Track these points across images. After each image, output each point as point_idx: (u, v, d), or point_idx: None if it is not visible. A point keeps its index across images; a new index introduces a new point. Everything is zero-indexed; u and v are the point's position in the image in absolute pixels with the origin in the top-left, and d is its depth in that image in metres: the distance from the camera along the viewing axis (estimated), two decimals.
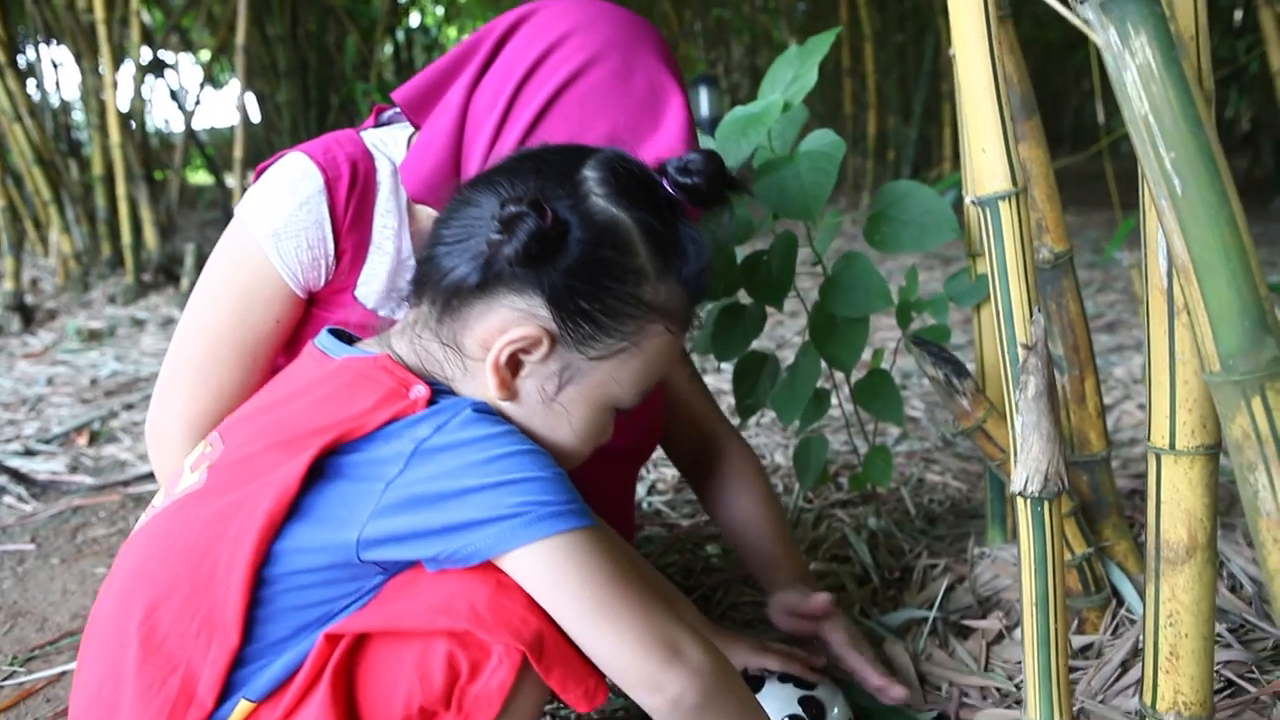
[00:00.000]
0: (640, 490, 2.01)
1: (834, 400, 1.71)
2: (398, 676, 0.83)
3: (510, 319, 0.87)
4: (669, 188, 0.91)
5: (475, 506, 0.81)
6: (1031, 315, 0.77)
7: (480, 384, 0.89)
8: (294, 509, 0.83)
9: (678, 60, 1.11)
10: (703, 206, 0.92)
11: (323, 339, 0.96)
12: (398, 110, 1.20)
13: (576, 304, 0.86)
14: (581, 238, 0.85)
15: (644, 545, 1.76)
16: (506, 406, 0.90)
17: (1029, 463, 0.78)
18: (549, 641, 0.84)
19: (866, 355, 1.56)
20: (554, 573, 0.82)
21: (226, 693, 0.84)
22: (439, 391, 0.88)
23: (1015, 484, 0.79)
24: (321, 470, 0.84)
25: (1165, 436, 0.79)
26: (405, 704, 0.83)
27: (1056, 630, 0.80)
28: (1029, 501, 0.79)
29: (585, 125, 1.00)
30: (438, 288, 0.88)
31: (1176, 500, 0.79)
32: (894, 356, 1.75)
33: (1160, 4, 0.67)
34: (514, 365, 0.88)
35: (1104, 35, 0.69)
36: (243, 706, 0.84)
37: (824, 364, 1.53)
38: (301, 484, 0.83)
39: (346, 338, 0.98)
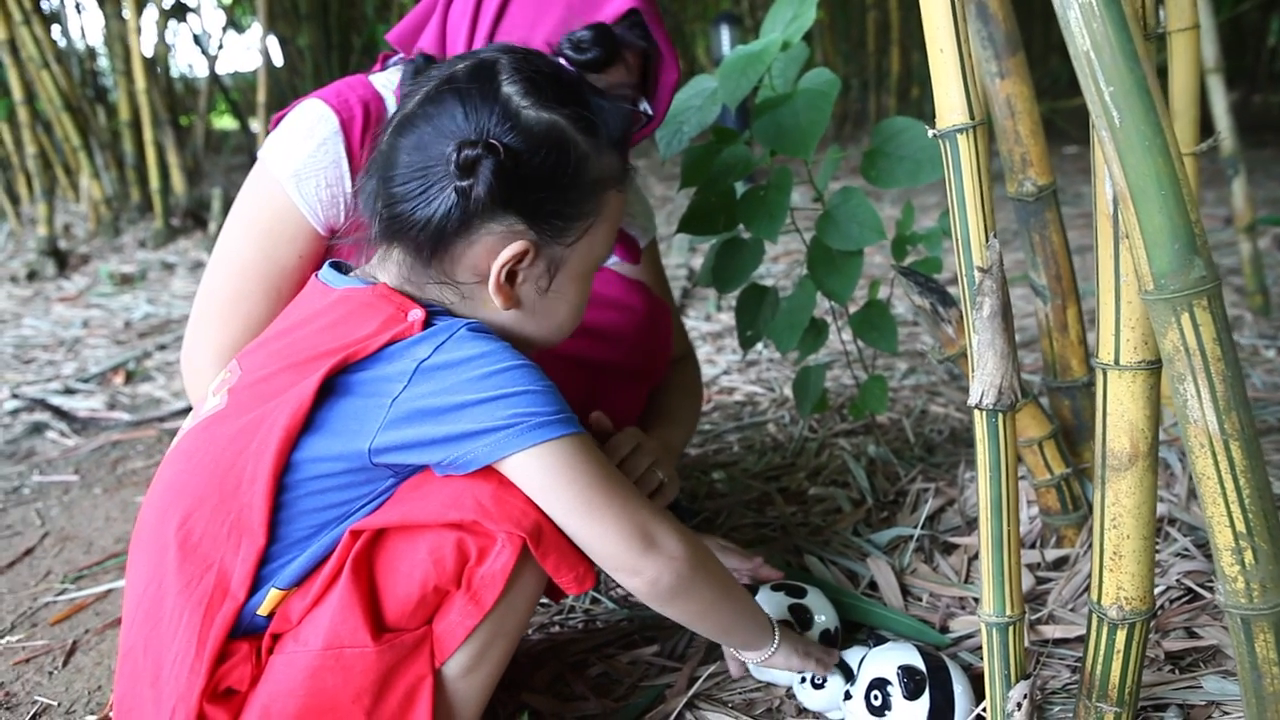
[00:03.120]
0: None
1: (841, 338, 1.77)
2: (414, 562, 0.94)
3: (495, 244, 0.95)
4: (571, 66, 0.99)
5: (473, 418, 0.90)
6: (987, 241, 0.83)
7: (477, 303, 0.98)
8: (309, 423, 0.93)
9: None
10: (601, 70, 1.01)
11: (325, 272, 1.04)
12: (400, 57, 1.27)
13: (545, 209, 0.95)
14: (532, 154, 0.92)
15: None
16: (510, 314, 0.99)
17: (984, 378, 0.85)
18: (546, 531, 0.94)
19: (866, 288, 1.62)
20: (545, 475, 0.92)
21: (256, 585, 0.94)
22: (434, 313, 0.96)
23: (972, 397, 0.86)
24: (332, 388, 0.93)
25: (1111, 353, 0.85)
26: (422, 584, 0.94)
27: (1009, 532, 0.87)
28: (984, 413, 0.86)
29: (542, 9, 1.07)
30: (417, 238, 0.95)
31: (1121, 412, 0.85)
32: (890, 288, 1.80)
33: None
34: (511, 278, 0.97)
35: None
36: (273, 595, 0.94)
37: (825, 297, 1.59)
38: (314, 400, 0.92)
39: (344, 269, 1.05)
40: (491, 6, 1.15)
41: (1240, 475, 0.76)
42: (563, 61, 1.00)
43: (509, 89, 0.94)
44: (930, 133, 0.84)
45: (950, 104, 0.82)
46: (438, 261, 0.96)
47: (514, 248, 0.95)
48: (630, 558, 0.94)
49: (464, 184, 0.91)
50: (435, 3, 1.21)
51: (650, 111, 1.21)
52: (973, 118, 0.82)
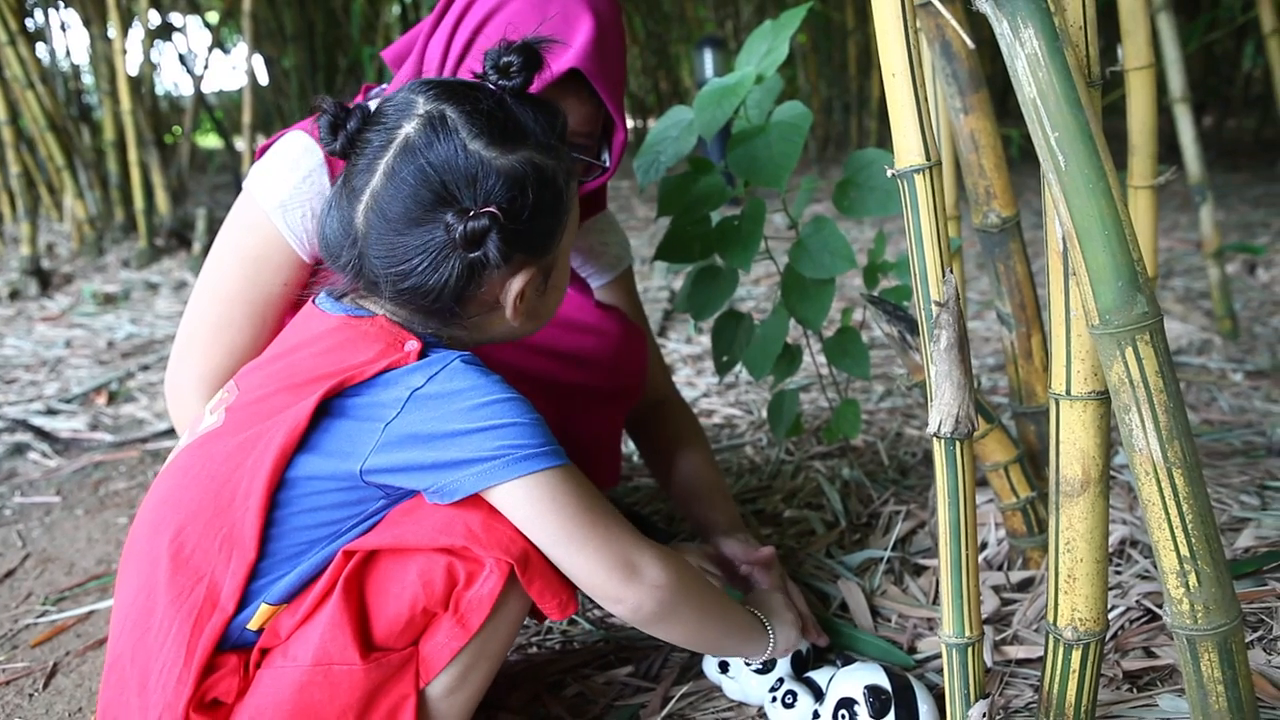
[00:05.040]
0: (630, 445, 2.12)
1: (816, 362, 1.80)
2: (404, 583, 0.97)
3: (502, 281, 1.00)
4: (502, 91, 1.00)
5: (462, 448, 0.93)
6: (944, 276, 0.87)
7: (484, 328, 1.03)
8: (304, 442, 0.96)
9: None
10: (526, 88, 1.02)
11: (322, 299, 1.07)
12: (383, 88, 1.30)
13: (538, 235, 0.99)
14: (521, 202, 0.95)
15: (631, 494, 1.87)
16: (517, 322, 1.03)
17: (942, 407, 0.88)
18: (533, 558, 0.98)
19: (838, 315, 1.65)
20: (530, 506, 0.95)
21: (247, 599, 0.97)
22: (429, 344, 1.00)
23: (930, 426, 0.89)
24: (327, 409, 0.96)
25: (1063, 384, 0.89)
26: (411, 605, 0.97)
27: (967, 555, 0.90)
28: (943, 441, 0.89)
29: None
30: (434, 304, 0.98)
31: (1073, 440, 0.89)
32: (864, 313, 1.84)
33: (1047, 0, 0.76)
34: (520, 297, 1.01)
35: (999, 26, 0.77)
36: (263, 610, 0.97)
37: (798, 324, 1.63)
38: (310, 421, 0.95)
39: (339, 295, 1.08)
40: (455, 52, 1.19)
41: (1183, 501, 0.79)
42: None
43: (475, 144, 0.94)
44: (889, 172, 0.88)
45: (907, 145, 0.86)
46: (458, 316, 1.00)
47: (523, 278, 1.00)
48: (613, 586, 0.98)
49: (474, 255, 0.94)
50: (423, 28, 1.25)
51: (607, 164, 1.25)
52: (928, 159, 0.85)
